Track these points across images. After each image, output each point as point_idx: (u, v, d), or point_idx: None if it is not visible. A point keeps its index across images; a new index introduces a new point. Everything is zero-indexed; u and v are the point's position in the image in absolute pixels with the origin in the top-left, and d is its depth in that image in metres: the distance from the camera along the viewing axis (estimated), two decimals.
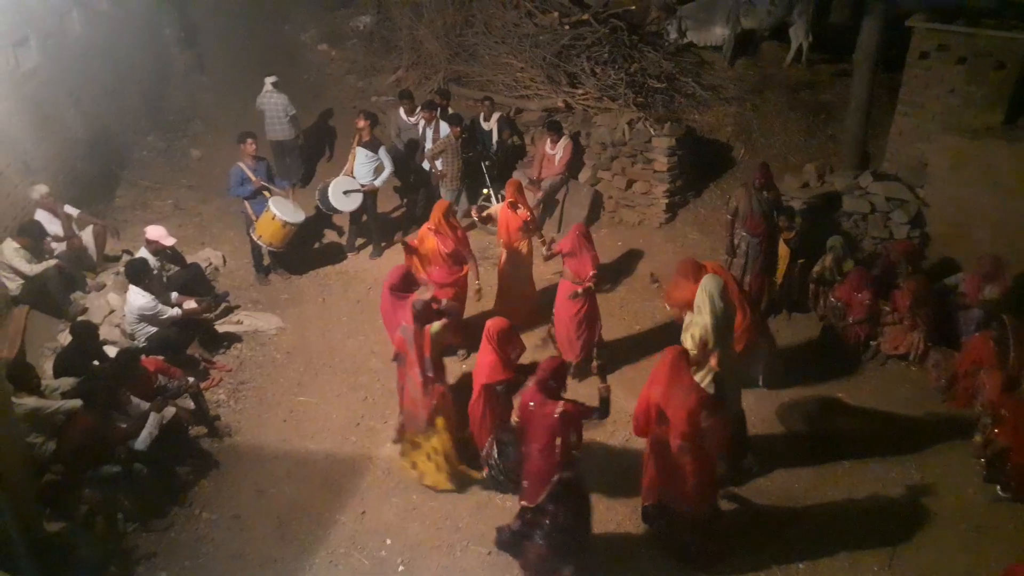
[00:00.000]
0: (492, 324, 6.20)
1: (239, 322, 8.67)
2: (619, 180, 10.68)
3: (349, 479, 6.76)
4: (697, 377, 5.71)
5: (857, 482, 6.69)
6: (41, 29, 9.40)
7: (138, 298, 7.47)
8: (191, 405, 7.05)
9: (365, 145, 9.59)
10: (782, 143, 11.21)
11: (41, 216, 8.39)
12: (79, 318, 7.89)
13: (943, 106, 9.28)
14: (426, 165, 10.36)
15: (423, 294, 6.55)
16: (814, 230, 8.98)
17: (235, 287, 9.32)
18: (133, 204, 10.70)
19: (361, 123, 9.54)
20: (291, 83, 11.72)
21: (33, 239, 7.93)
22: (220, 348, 8.30)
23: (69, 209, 8.68)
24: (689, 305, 5.95)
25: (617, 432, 7.13)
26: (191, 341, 8.04)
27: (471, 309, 8.24)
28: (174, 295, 7.98)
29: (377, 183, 9.69)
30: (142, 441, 6.19)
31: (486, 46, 12.45)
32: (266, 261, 9.50)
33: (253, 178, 9.00)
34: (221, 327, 8.51)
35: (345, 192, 9.55)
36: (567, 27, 12.15)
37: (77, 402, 6.26)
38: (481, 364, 6.28)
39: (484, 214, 8.59)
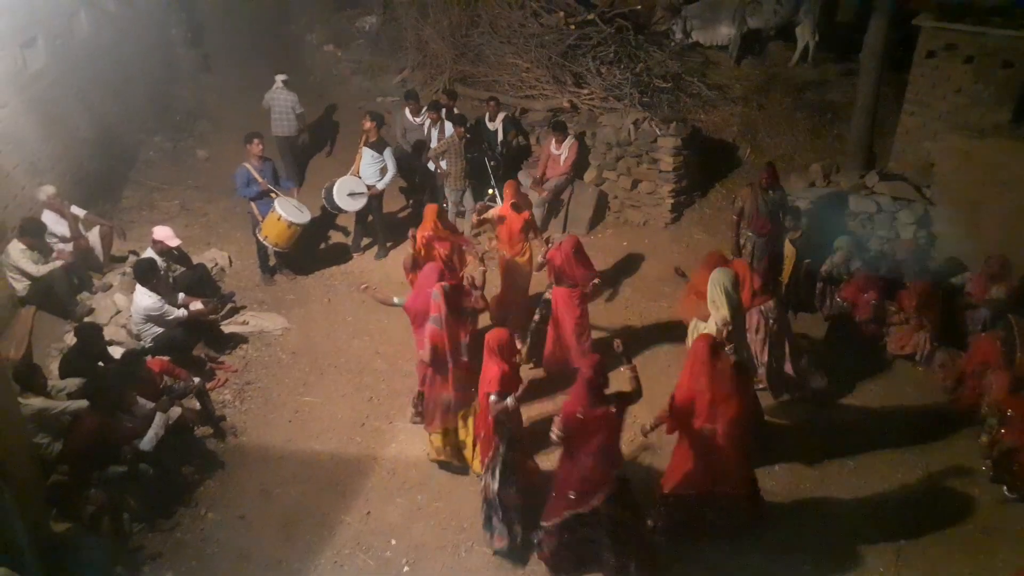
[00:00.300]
0: (494, 336, 5.90)
1: (245, 323, 8.69)
2: (624, 180, 10.67)
3: (354, 479, 6.77)
4: None
5: (862, 482, 6.67)
6: (49, 30, 9.43)
7: (145, 299, 7.50)
8: (197, 405, 7.08)
9: (371, 146, 9.59)
10: (788, 143, 11.19)
11: (48, 217, 8.41)
12: (85, 319, 7.92)
13: (950, 105, 9.24)
14: (431, 165, 10.37)
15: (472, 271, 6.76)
16: (820, 230, 8.95)
17: (241, 287, 9.34)
18: (140, 205, 10.73)
19: (367, 124, 9.55)
20: (297, 83, 11.75)
21: (35, 237, 7.94)
22: (226, 349, 8.31)
23: (76, 210, 8.71)
24: (701, 309, 6.07)
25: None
26: (197, 342, 8.06)
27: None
28: (180, 296, 7.99)
29: (380, 186, 9.70)
30: (148, 441, 6.21)
31: (491, 46, 12.46)
32: (272, 262, 9.51)
33: (259, 179, 9.03)
34: (227, 328, 8.52)
35: (350, 192, 9.57)
36: (573, 27, 12.15)
37: (83, 403, 6.29)
38: (488, 377, 5.88)
39: (482, 217, 8.47)
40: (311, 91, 12.98)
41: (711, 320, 6.22)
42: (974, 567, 5.93)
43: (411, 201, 11.12)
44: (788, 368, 7.29)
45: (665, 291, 9.26)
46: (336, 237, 10.51)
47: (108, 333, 7.65)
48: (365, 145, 9.62)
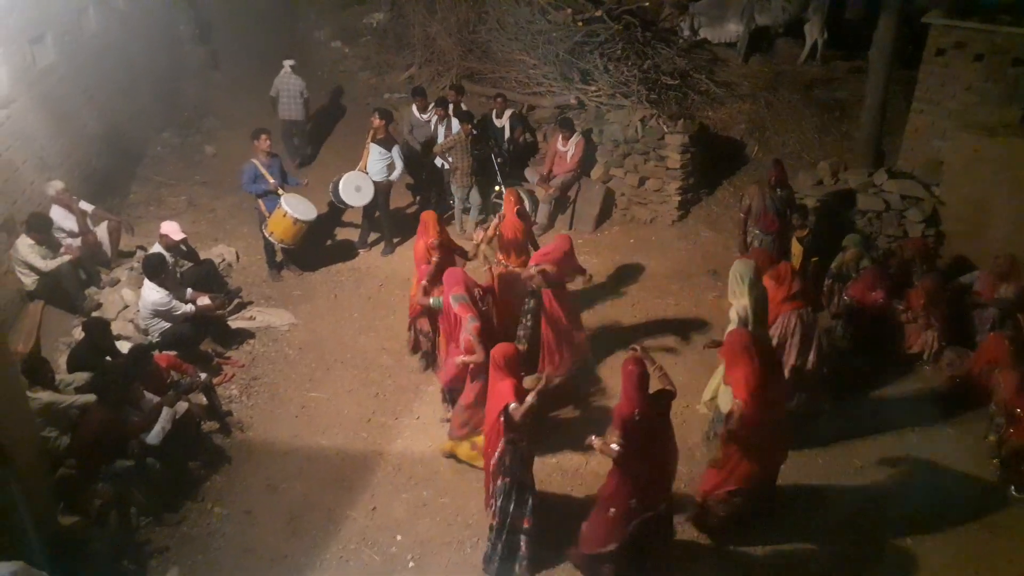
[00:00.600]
0: (501, 351, 5.62)
1: (252, 318, 8.71)
2: (631, 177, 10.65)
3: (360, 475, 6.78)
4: None
5: (868, 482, 6.65)
6: (58, 26, 9.46)
7: (152, 293, 7.52)
8: (204, 400, 7.10)
9: (379, 142, 9.60)
10: (796, 140, 11.16)
11: (56, 212, 8.44)
12: (93, 314, 7.95)
13: (959, 103, 9.21)
14: (439, 162, 10.38)
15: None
16: (828, 228, 8.92)
17: (248, 283, 9.37)
18: (147, 200, 10.77)
19: (376, 122, 9.56)
20: (305, 79, 11.81)
21: (43, 233, 7.98)
22: (233, 344, 8.33)
23: (84, 205, 8.74)
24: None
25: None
26: (204, 337, 8.08)
27: None
28: (188, 291, 8.02)
29: (392, 177, 9.73)
30: (155, 436, 6.23)
31: (499, 43, 12.46)
32: (279, 257, 9.53)
33: (266, 175, 9.05)
34: (234, 323, 8.55)
35: (357, 188, 9.58)
36: (580, 24, 12.12)
37: (91, 397, 6.31)
38: (500, 393, 5.55)
39: (489, 232, 7.97)
40: (319, 88, 13.03)
41: (731, 311, 6.31)
42: (980, 566, 5.90)
43: (418, 198, 11.14)
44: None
45: (672, 288, 9.26)
46: (343, 233, 10.53)
47: (116, 328, 7.67)
48: (373, 141, 9.63)
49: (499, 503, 5.61)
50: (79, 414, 6.24)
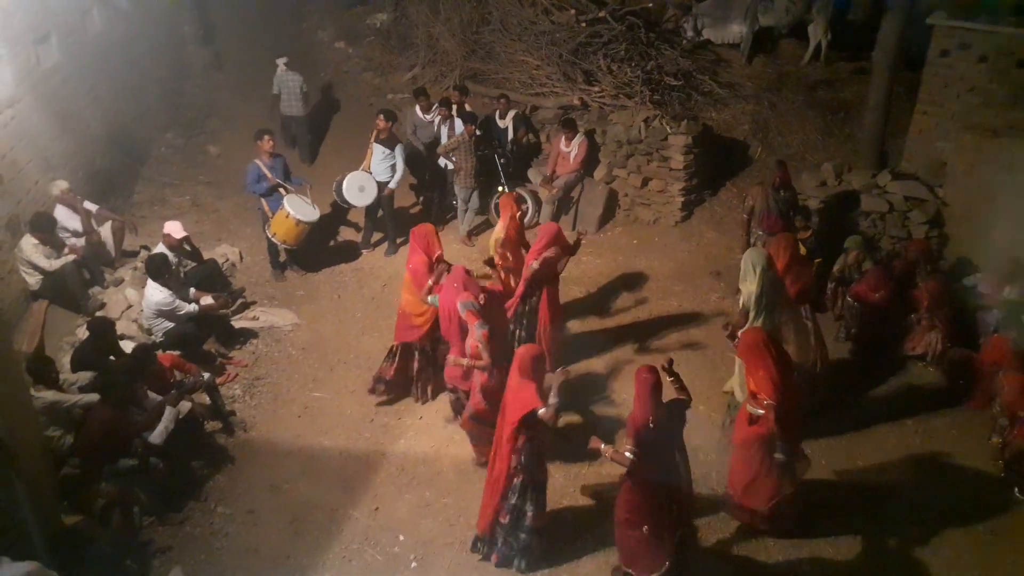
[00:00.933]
0: (527, 351, 5.54)
1: (255, 318, 8.72)
2: (635, 178, 10.65)
3: (363, 475, 6.79)
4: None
5: (871, 482, 6.64)
6: (62, 27, 9.47)
7: (156, 293, 7.54)
8: (207, 400, 7.11)
9: (382, 142, 9.62)
10: (799, 141, 11.14)
11: (60, 211, 8.46)
12: (96, 313, 7.97)
13: (963, 104, 9.18)
14: (442, 162, 10.39)
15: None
16: (831, 229, 8.91)
17: (251, 283, 9.38)
18: (151, 200, 10.78)
19: (381, 124, 9.56)
20: (308, 80, 11.86)
21: (47, 232, 7.99)
22: (236, 344, 8.35)
23: (88, 205, 8.76)
24: None
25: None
26: (207, 337, 8.10)
27: None
28: (191, 291, 8.03)
29: (392, 184, 9.74)
30: (158, 435, 6.24)
31: (502, 43, 12.45)
32: (282, 258, 9.55)
33: (269, 175, 9.06)
34: (237, 323, 8.57)
35: (360, 187, 9.59)
36: (584, 24, 12.12)
37: (95, 396, 6.33)
38: (525, 396, 5.37)
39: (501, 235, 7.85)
40: (323, 88, 13.06)
41: (740, 298, 6.50)
42: (983, 569, 5.90)
43: (421, 198, 11.14)
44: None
45: (675, 290, 9.25)
46: (346, 234, 10.54)
47: (119, 327, 7.69)
48: (376, 141, 9.64)
49: (512, 501, 5.60)
50: (83, 413, 6.27)
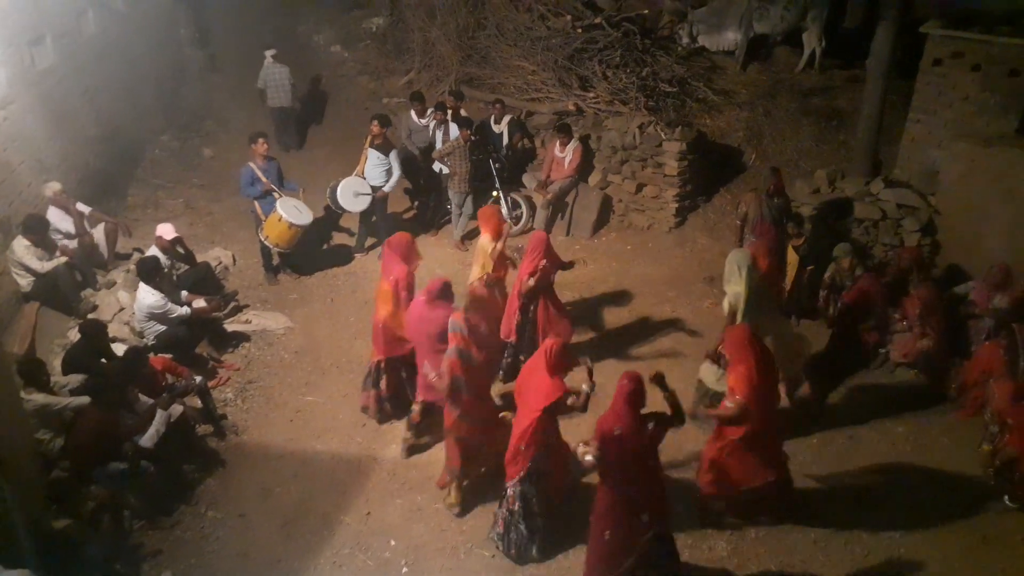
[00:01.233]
0: (553, 343, 5.56)
1: (248, 321, 8.71)
2: (629, 184, 10.68)
3: (354, 480, 6.77)
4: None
5: (862, 491, 6.64)
6: (57, 28, 9.47)
7: (148, 296, 7.52)
8: (198, 404, 7.09)
9: (377, 147, 9.62)
10: (793, 148, 11.19)
11: (53, 213, 8.45)
12: (89, 316, 7.94)
13: (956, 113, 9.22)
14: (437, 167, 10.39)
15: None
16: (824, 237, 8.93)
17: (244, 286, 9.37)
18: (145, 203, 10.78)
19: (376, 129, 9.56)
20: (304, 83, 11.86)
21: (39, 234, 7.97)
22: (228, 347, 8.34)
23: (81, 207, 8.74)
24: None
25: None
26: (200, 340, 8.08)
27: None
28: (184, 294, 8.02)
29: (386, 188, 9.73)
30: (149, 439, 6.23)
31: (498, 49, 12.49)
32: (275, 261, 9.53)
33: (263, 179, 9.06)
34: (230, 326, 8.55)
35: (355, 193, 9.59)
36: (579, 30, 12.16)
37: (86, 399, 6.31)
38: (539, 387, 5.47)
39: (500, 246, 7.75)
40: (317, 91, 13.07)
41: (725, 300, 6.57)
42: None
43: (416, 203, 11.14)
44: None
45: (669, 295, 9.27)
46: (340, 238, 10.54)
47: (111, 330, 7.65)
48: (371, 146, 9.64)
49: (522, 488, 5.71)
50: (73, 416, 6.23)
